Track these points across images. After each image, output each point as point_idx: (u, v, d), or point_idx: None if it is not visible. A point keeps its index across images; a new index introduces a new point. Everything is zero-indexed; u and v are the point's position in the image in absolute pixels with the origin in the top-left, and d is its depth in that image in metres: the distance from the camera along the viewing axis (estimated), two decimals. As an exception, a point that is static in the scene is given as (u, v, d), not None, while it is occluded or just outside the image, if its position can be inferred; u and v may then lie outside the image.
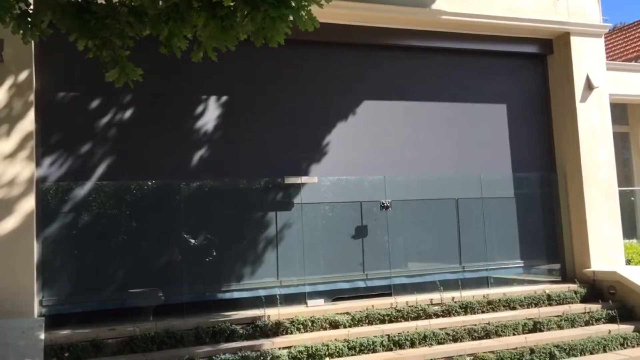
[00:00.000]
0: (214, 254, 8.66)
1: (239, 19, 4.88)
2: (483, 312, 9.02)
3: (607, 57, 12.04)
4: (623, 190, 12.13)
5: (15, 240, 7.25)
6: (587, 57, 10.68)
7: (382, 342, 7.86)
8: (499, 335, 8.48)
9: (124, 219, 8.31)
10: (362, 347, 7.74)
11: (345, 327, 8.20)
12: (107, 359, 6.99)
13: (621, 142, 13.31)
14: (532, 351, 7.96)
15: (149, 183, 8.48)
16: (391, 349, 7.87)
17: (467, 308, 8.96)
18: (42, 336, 6.71)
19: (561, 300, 9.53)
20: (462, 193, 10.11)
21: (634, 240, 12.49)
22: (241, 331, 7.71)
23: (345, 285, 9.36)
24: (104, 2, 5.27)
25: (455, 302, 8.99)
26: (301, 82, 9.44)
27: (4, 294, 7.06)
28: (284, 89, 9.30)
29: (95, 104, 8.23)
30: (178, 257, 8.41)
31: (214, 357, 7.04)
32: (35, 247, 7.45)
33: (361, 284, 9.42)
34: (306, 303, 8.77)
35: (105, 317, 8.16)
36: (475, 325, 8.50)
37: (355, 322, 8.32)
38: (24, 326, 6.69)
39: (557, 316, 9.02)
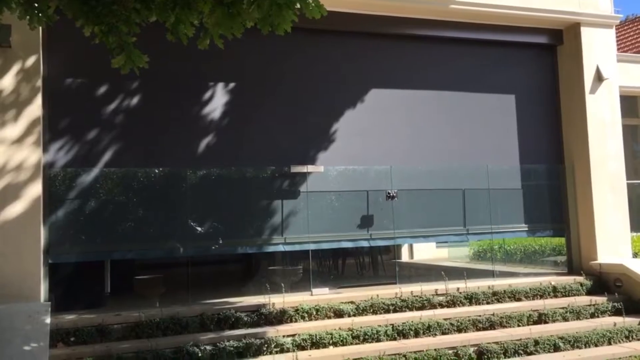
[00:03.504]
0: (220, 241, 8.69)
1: (246, 6, 4.86)
2: (488, 303, 9.01)
3: (618, 49, 11.94)
4: (632, 183, 12.06)
5: (22, 226, 7.30)
6: (598, 48, 10.57)
7: (386, 331, 7.87)
8: (504, 326, 8.48)
9: (130, 206, 8.34)
10: (366, 337, 7.76)
11: (349, 316, 8.21)
12: (112, 344, 7.03)
13: (631, 135, 13.22)
14: (536, 342, 7.95)
15: (156, 170, 8.50)
16: (395, 339, 7.89)
17: (472, 299, 8.95)
18: (48, 320, 6.75)
19: (567, 292, 9.50)
20: (469, 184, 10.08)
21: (642, 233, 12.43)
22: (246, 319, 7.74)
23: (349, 244, 9.56)
24: (110, -12, 5.27)
25: (460, 293, 8.98)
26: (308, 70, 9.40)
27: (11, 278, 7.12)
28: (290, 77, 9.27)
29: (102, 90, 8.24)
30: (179, 249, 8.41)
31: (218, 344, 7.07)
32: (42, 232, 7.50)
33: (364, 244, 9.54)
34: (311, 291, 8.80)
35: (111, 302, 8.24)
36: (480, 316, 8.49)
37: (360, 311, 8.33)
38: (30, 310, 6.74)
39: (562, 308, 9.00)
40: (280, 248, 8.92)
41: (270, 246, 8.92)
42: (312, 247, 9.01)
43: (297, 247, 9.01)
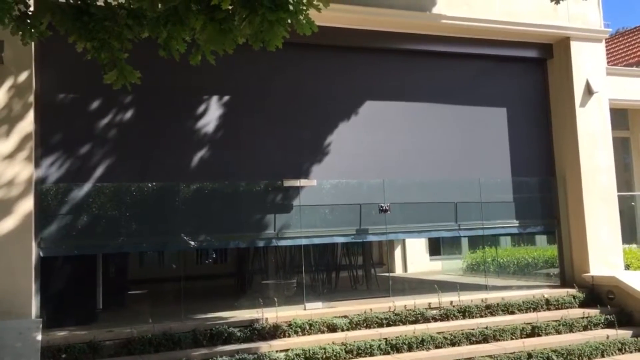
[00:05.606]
0: (214, 256, 8.67)
1: (237, 23, 4.89)
2: (481, 316, 9.01)
3: (608, 62, 12.06)
4: (623, 195, 12.12)
5: (14, 241, 7.25)
6: (587, 62, 10.67)
7: (379, 345, 7.85)
8: (497, 340, 8.46)
9: (123, 221, 8.31)
10: (360, 351, 7.72)
11: (343, 330, 8.18)
12: (104, 361, 6.99)
13: (622, 147, 13.31)
14: (529, 356, 7.94)
15: (149, 185, 8.48)
16: (389, 353, 7.85)
17: (465, 312, 8.94)
18: (39, 337, 6.70)
19: (560, 304, 9.50)
20: (461, 197, 10.10)
21: (634, 245, 12.48)
22: (239, 334, 7.70)
23: (342, 239, 9.71)
24: (103, 5, 5.30)
25: (453, 306, 8.97)
26: (300, 84, 9.43)
27: (2, 294, 7.06)
28: (283, 91, 9.30)
29: (94, 105, 8.24)
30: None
31: (211, 360, 7.05)
32: (33, 249, 7.46)
33: (358, 239, 9.67)
34: (304, 306, 8.76)
35: (103, 318, 8.18)
36: (473, 329, 8.49)
37: (353, 325, 8.31)
38: (21, 327, 6.69)
39: (556, 321, 9.00)
40: (274, 243, 8.92)
41: (263, 241, 8.95)
42: (304, 242, 9.02)
43: (289, 242, 9.03)
